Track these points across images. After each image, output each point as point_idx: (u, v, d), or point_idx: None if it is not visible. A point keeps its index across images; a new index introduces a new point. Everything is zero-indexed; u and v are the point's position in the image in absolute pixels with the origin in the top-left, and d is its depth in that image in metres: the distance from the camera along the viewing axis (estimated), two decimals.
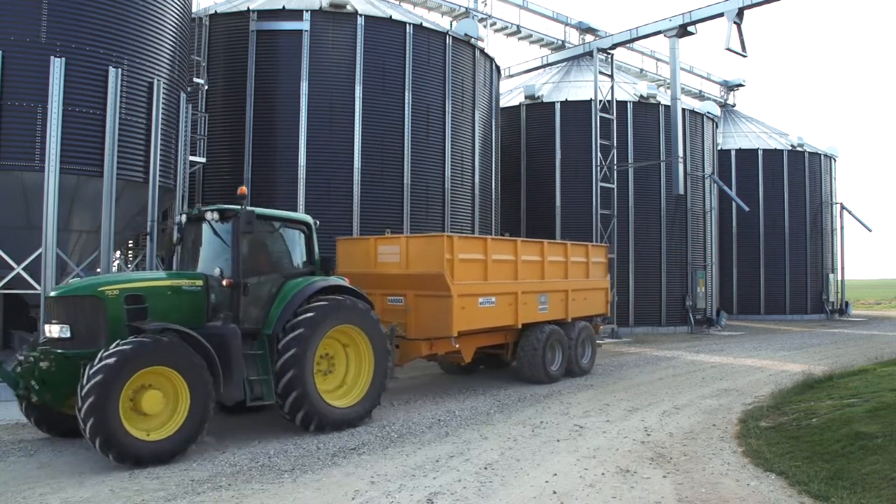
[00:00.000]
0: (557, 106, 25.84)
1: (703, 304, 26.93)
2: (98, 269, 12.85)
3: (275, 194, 16.73)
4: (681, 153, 24.65)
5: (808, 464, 7.60)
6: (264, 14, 17.52)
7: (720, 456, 8.29)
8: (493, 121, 21.72)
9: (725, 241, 32.89)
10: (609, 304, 17.09)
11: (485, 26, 25.48)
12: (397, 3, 22.37)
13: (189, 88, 15.59)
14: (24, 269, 11.87)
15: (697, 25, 23.82)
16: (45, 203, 11.73)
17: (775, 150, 34.66)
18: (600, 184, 24.08)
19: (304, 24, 17.23)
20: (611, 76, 24.94)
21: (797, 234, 34.33)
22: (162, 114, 13.62)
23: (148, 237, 13.24)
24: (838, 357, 17.85)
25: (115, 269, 13.33)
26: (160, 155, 13.56)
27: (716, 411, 11.07)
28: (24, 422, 9.23)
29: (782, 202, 34.20)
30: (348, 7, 17.63)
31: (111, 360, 7.36)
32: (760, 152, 34.34)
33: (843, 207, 37.70)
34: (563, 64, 28.93)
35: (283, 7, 17.48)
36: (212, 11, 18.06)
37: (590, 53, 26.18)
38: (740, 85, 39.62)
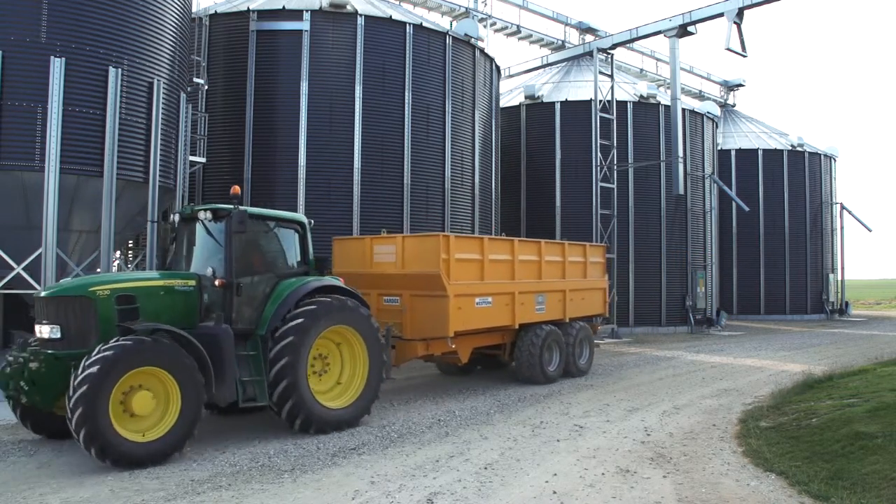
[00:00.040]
0: (557, 106, 25.84)
1: (703, 304, 26.93)
2: (98, 269, 12.85)
3: (275, 194, 16.73)
4: (681, 153, 24.65)
5: (808, 464, 7.60)
6: (264, 14, 17.52)
7: (720, 456, 8.29)
8: (493, 121, 21.72)
9: (725, 241, 32.89)
10: (607, 304, 17.05)
11: (485, 26, 25.49)
12: (397, 3, 22.37)
13: (189, 88, 15.59)
14: (24, 269, 11.87)
15: (697, 25, 23.82)
16: (45, 203, 11.73)
17: (775, 150, 34.66)
18: (600, 184, 24.08)
19: (304, 24, 17.23)
20: (611, 76, 24.95)
21: (797, 234, 34.33)
22: (162, 114, 13.62)
23: (147, 237, 13.24)
24: (838, 357, 17.85)
25: (115, 268, 13.33)
26: (160, 155, 13.56)
27: (716, 411, 11.07)
28: None
29: (782, 202, 34.21)
30: (348, 7, 17.63)
31: (101, 361, 7.31)
32: (760, 152, 34.34)
33: (843, 207, 37.71)
34: (563, 64, 28.93)
35: (283, 7, 17.48)
36: (212, 11, 18.06)
37: (590, 53, 26.18)
38: (740, 85, 39.63)
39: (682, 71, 27.34)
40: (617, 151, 24.66)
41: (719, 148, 32.75)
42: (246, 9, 17.66)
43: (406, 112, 18.00)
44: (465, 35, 19.95)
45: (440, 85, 18.84)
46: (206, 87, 16.91)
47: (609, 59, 25.41)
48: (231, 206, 8.97)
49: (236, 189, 9.20)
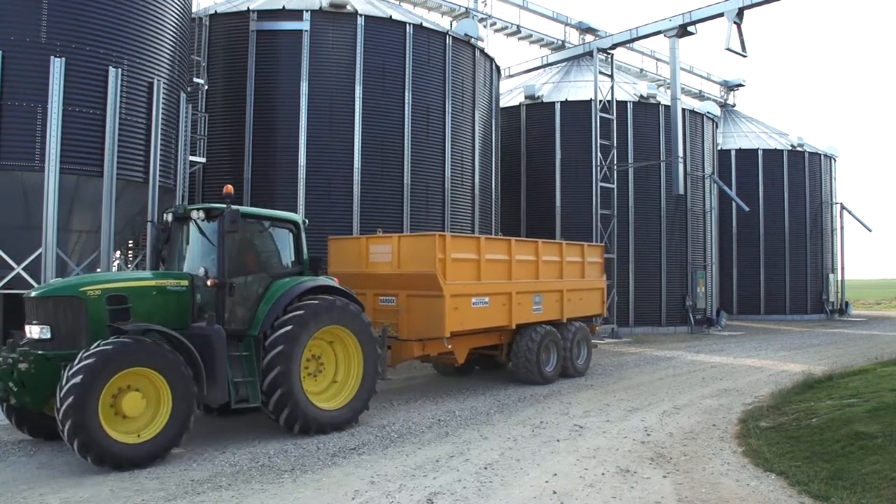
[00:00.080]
0: (557, 106, 25.84)
1: (703, 304, 26.93)
2: (98, 269, 12.85)
3: (275, 194, 16.73)
4: (681, 153, 24.64)
5: (808, 464, 7.60)
6: (264, 14, 17.52)
7: (720, 456, 8.29)
8: (493, 121, 21.72)
9: (725, 241, 32.89)
10: (605, 305, 17.00)
11: (485, 26, 25.48)
12: (397, 3, 22.37)
13: (189, 88, 15.60)
14: (24, 269, 11.87)
15: (697, 25, 23.82)
16: (45, 203, 11.73)
17: (775, 150, 34.66)
18: (600, 184, 24.08)
19: (304, 24, 17.23)
20: (611, 76, 24.95)
21: (797, 234, 34.33)
22: (162, 114, 13.62)
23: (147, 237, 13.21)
24: (838, 357, 17.85)
25: (115, 268, 13.33)
26: (160, 155, 13.56)
27: (716, 411, 11.07)
28: None
29: (782, 202, 34.20)
30: (348, 7, 17.63)
31: (90, 361, 7.24)
32: (760, 152, 34.34)
33: (843, 207, 37.71)
34: (563, 64, 28.93)
35: (283, 7, 17.48)
36: (212, 11, 18.06)
37: (590, 53, 26.18)
38: (740, 85, 39.63)
39: (682, 71, 27.34)
40: (617, 151, 24.66)
41: (719, 148, 32.75)
42: (246, 9, 17.66)
43: (406, 112, 17.99)
44: (465, 35, 19.95)
45: (440, 85, 18.84)
46: (206, 87, 16.91)
47: (609, 59, 25.41)
48: (224, 206, 8.90)
49: (229, 188, 9.14)
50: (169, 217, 9.66)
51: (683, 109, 25.86)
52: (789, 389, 11.92)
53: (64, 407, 7.09)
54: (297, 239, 10.11)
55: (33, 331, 8.03)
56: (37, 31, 11.86)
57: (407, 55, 18.08)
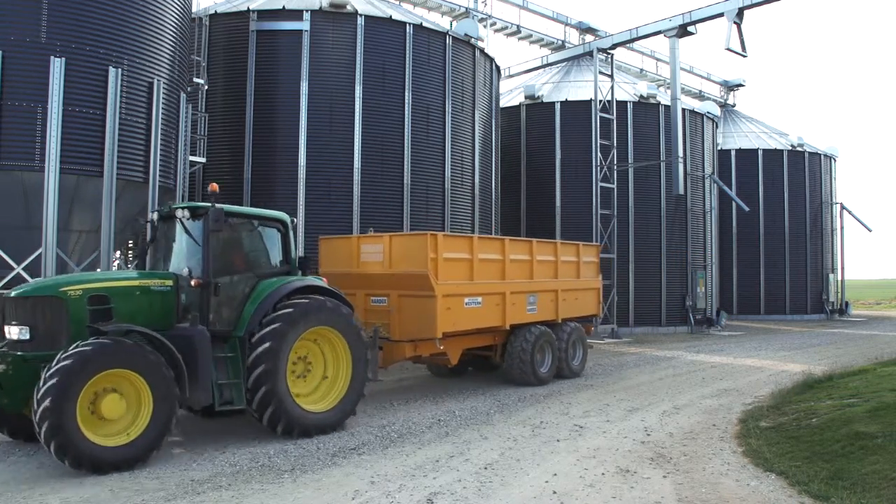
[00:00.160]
0: (557, 106, 25.84)
1: (703, 304, 26.93)
2: (98, 269, 12.86)
3: (275, 194, 16.73)
4: (681, 153, 24.65)
5: (808, 464, 7.60)
6: (264, 14, 17.52)
7: (720, 456, 8.29)
8: (493, 121, 21.73)
9: (725, 241, 32.89)
10: (601, 305, 16.89)
11: (485, 26, 25.49)
12: (397, 3, 22.37)
13: (189, 88, 15.61)
14: (24, 269, 11.87)
15: (697, 25, 23.82)
16: (45, 203, 11.74)
17: (775, 150, 34.67)
18: (600, 184, 24.08)
19: (304, 24, 17.23)
20: (611, 76, 24.95)
21: (797, 234, 34.34)
22: (162, 114, 13.63)
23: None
24: (838, 357, 17.85)
25: (114, 268, 13.33)
26: (160, 155, 13.57)
27: (716, 411, 11.07)
28: None
29: (782, 202, 34.21)
30: (348, 7, 17.64)
31: (68, 363, 7.09)
32: (760, 152, 34.35)
33: (843, 207, 37.72)
34: (563, 64, 28.93)
35: (283, 7, 17.49)
36: (212, 11, 18.07)
37: (590, 53, 26.18)
38: (740, 85, 39.64)
39: (682, 71, 27.34)
40: (617, 151, 24.67)
41: (719, 148, 32.76)
42: (246, 9, 17.67)
43: (406, 112, 18.00)
44: (465, 35, 19.95)
45: (440, 85, 18.85)
46: (206, 87, 16.92)
47: (609, 59, 25.41)
48: (208, 204, 8.76)
49: (214, 186, 9.01)
50: (155, 216, 9.51)
51: (683, 109, 25.87)
52: (789, 389, 11.92)
53: (41, 409, 6.95)
54: (284, 238, 9.88)
55: (12, 331, 7.81)
56: (37, 31, 11.87)
57: (407, 55, 18.09)
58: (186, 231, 9.02)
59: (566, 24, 29.34)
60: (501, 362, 13.70)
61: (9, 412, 8.00)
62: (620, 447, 8.70)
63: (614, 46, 25.68)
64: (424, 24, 19.05)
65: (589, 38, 28.88)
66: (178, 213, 9.07)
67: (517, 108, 26.66)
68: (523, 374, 13.27)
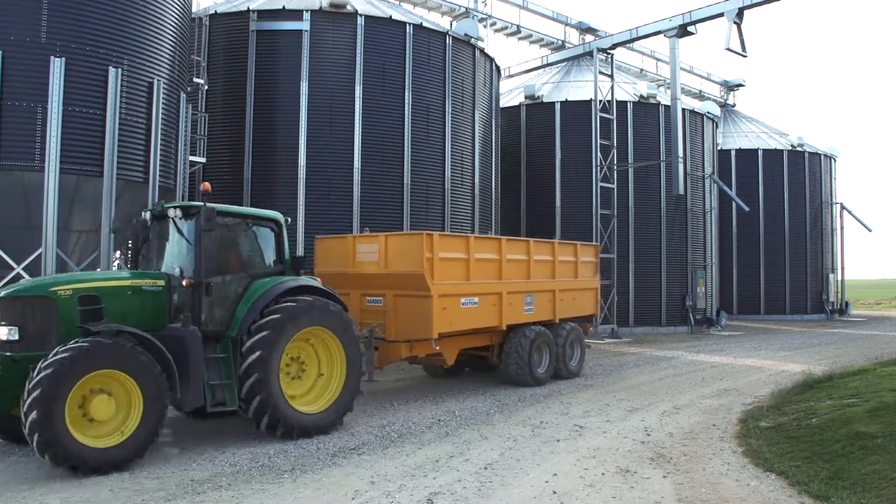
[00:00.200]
0: (557, 106, 25.84)
1: (703, 304, 26.94)
2: (98, 269, 12.86)
3: (275, 194, 16.73)
4: (681, 153, 24.65)
5: (808, 464, 7.60)
6: (264, 14, 17.52)
7: (720, 456, 8.29)
8: (493, 121, 21.73)
9: (725, 241, 32.90)
10: (599, 305, 16.84)
11: (485, 26, 25.49)
12: (397, 3, 22.37)
13: (189, 88, 15.61)
14: (24, 269, 11.87)
15: (697, 25, 23.82)
16: (45, 203, 11.74)
17: (775, 150, 34.67)
18: (600, 184, 24.08)
19: (304, 24, 17.24)
20: (611, 76, 24.95)
21: (797, 234, 34.34)
22: (162, 114, 13.63)
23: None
24: (838, 357, 17.85)
25: (114, 268, 13.33)
26: (160, 155, 13.57)
27: (716, 411, 11.07)
28: None
29: (782, 202, 34.21)
30: (348, 7, 17.64)
31: (57, 363, 7.03)
32: (760, 152, 34.35)
33: (843, 207, 37.73)
34: (563, 64, 28.93)
35: (283, 7, 17.49)
36: (212, 11, 18.07)
37: (590, 53, 26.18)
38: (740, 85, 39.64)
39: (682, 71, 27.34)
40: (617, 151, 24.66)
41: (719, 148, 32.76)
42: (246, 9, 17.67)
43: (406, 112, 18.00)
44: (465, 35, 19.95)
45: (440, 85, 18.85)
46: (206, 87, 16.93)
47: (609, 59, 25.41)
48: (201, 204, 8.69)
49: (206, 186, 8.95)
50: (147, 215, 9.39)
51: (683, 109, 25.87)
52: (789, 389, 11.92)
53: (28, 410, 6.90)
54: (278, 238, 9.79)
55: (1, 332, 7.74)
56: (37, 31, 11.87)
57: (407, 55, 18.09)
58: (179, 230, 8.95)
59: (566, 24, 29.35)
60: (499, 363, 13.62)
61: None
62: (620, 447, 8.70)
63: (614, 46, 25.68)
64: (424, 24, 19.05)
65: (589, 38, 28.88)
66: (171, 212, 8.97)
67: (517, 108, 26.66)
68: (520, 374, 13.21)
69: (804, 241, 34.44)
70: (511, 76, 30.55)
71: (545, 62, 29.43)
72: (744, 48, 22.46)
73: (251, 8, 17.65)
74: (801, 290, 34.35)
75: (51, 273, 11.67)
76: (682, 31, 23.82)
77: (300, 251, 15.76)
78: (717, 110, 31.13)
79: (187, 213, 8.89)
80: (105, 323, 7.85)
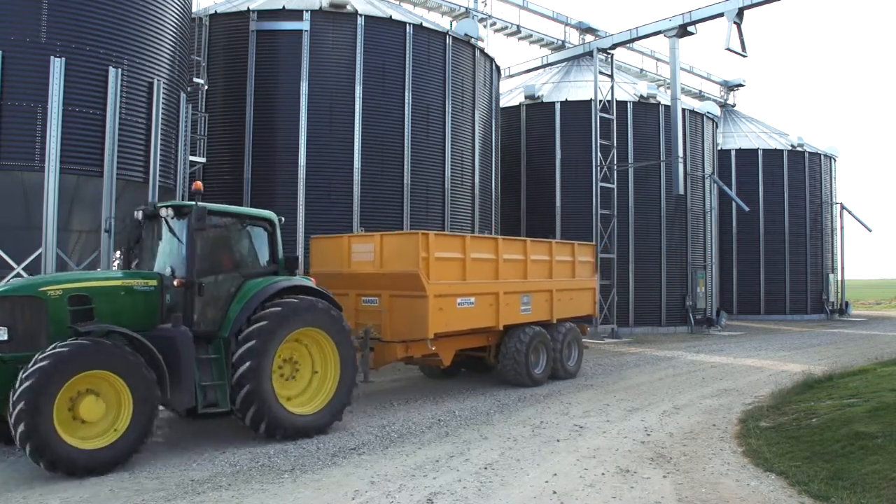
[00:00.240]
0: (557, 106, 25.84)
1: (703, 304, 26.93)
2: (98, 269, 12.85)
3: (275, 194, 16.74)
4: (681, 153, 24.65)
5: (808, 464, 7.60)
6: (264, 14, 17.53)
7: (720, 456, 8.29)
8: (493, 121, 21.73)
9: (725, 241, 32.89)
10: (597, 305, 16.79)
11: (485, 26, 25.49)
12: (397, 3, 22.38)
13: (189, 88, 15.61)
14: (24, 269, 11.87)
15: (697, 25, 23.82)
16: (45, 203, 11.73)
17: (775, 150, 34.67)
18: (600, 184, 24.08)
19: (304, 24, 17.24)
20: (611, 76, 24.95)
21: (797, 234, 34.34)
22: (162, 114, 13.63)
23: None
24: (838, 357, 17.85)
25: (114, 268, 13.33)
26: (160, 155, 13.57)
27: (716, 411, 11.07)
28: None
29: (782, 202, 34.21)
30: (348, 7, 17.64)
31: (45, 364, 6.98)
32: (760, 152, 34.35)
33: (843, 207, 37.72)
34: (563, 64, 28.94)
35: (283, 7, 17.49)
36: (212, 11, 18.08)
37: (590, 53, 26.18)
38: (740, 85, 39.63)
39: (682, 71, 27.34)
40: (617, 151, 24.66)
41: (719, 148, 32.76)
42: (246, 9, 17.67)
43: (406, 112, 18.00)
44: (465, 35, 19.95)
45: (440, 85, 18.85)
46: (206, 87, 16.92)
47: (609, 59, 25.41)
48: (192, 203, 8.64)
49: (198, 185, 8.93)
50: (139, 215, 9.33)
51: (683, 109, 25.87)
52: (789, 389, 11.92)
53: (16, 411, 6.85)
54: (272, 237, 9.69)
55: None
56: (37, 31, 11.86)
57: (407, 55, 18.09)
58: (171, 230, 8.89)
59: (566, 24, 29.35)
60: (495, 363, 13.54)
61: None
62: (620, 447, 8.71)
63: (614, 46, 25.68)
64: (424, 24, 19.05)
65: (589, 38, 28.88)
66: (163, 211, 8.88)
67: (517, 108, 26.66)
68: (517, 375, 13.15)
69: (804, 241, 34.44)
70: (511, 76, 30.55)
71: (545, 62, 29.43)
72: (744, 48, 22.46)
73: (251, 8, 17.65)
74: (801, 290, 34.35)
75: (51, 273, 11.66)
76: (682, 31, 23.82)
77: (300, 251, 15.76)
78: (717, 110, 31.13)
79: (179, 212, 8.82)
80: (95, 323, 7.80)
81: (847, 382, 11.78)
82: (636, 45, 30.17)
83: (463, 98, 19.61)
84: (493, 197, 21.46)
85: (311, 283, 9.75)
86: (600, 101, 24.34)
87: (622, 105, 25.54)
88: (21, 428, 6.86)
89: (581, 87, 26.63)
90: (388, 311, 11.63)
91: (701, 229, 27.28)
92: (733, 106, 39.36)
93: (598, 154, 24.14)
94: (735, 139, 35.45)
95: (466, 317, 12.25)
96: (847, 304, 38.16)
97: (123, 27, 12.84)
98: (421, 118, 18.30)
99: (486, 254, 12.89)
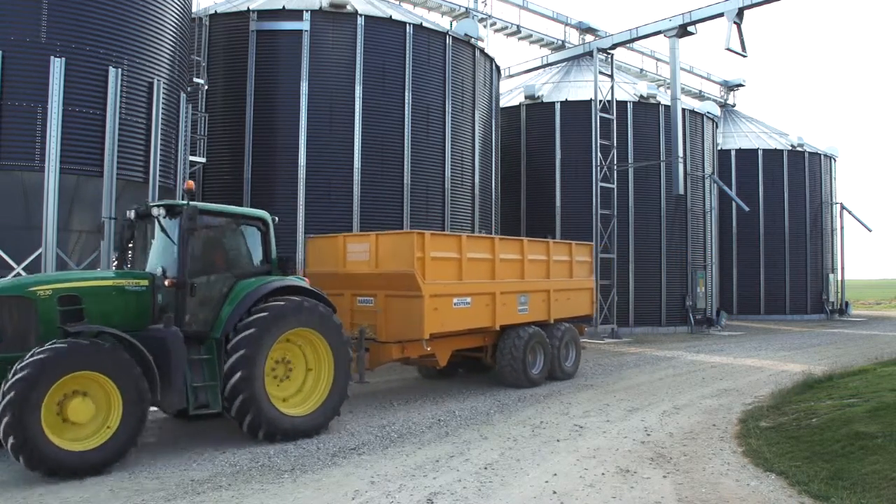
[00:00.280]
0: (557, 106, 25.84)
1: (703, 304, 26.93)
2: (98, 269, 12.85)
3: (275, 194, 16.74)
4: (681, 153, 24.65)
5: (808, 464, 7.60)
6: (264, 14, 17.52)
7: (720, 456, 8.29)
8: (493, 121, 21.73)
9: (725, 241, 32.90)
10: (595, 305, 16.72)
11: (485, 26, 25.49)
12: (397, 3, 22.37)
13: (189, 88, 15.60)
14: (24, 269, 11.87)
15: (697, 25, 23.82)
16: (45, 203, 11.73)
17: (775, 150, 34.67)
18: (600, 184, 24.08)
19: (304, 24, 17.24)
20: (611, 76, 24.94)
21: (797, 234, 34.33)
22: (162, 114, 13.63)
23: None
24: (838, 357, 17.85)
25: (114, 268, 13.33)
26: (160, 155, 13.57)
27: (716, 411, 11.07)
28: None
29: (782, 202, 34.21)
30: (348, 7, 17.64)
31: (31, 366, 6.92)
32: (760, 152, 34.35)
33: (843, 207, 37.72)
34: (563, 64, 28.93)
35: (283, 7, 17.49)
36: (212, 11, 18.08)
37: (590, 53, 26.18)
38: (740, 85, 39.63)
39: (682, 71, 27.34)
40: (617, 151, 24.66)
41: (719, 148, 32.76)
42: (246, 9, 17.67)
43: (406, 112, 17.99)
44: (465, 35, 19.95)
45: (440, 85, 18.85)
46: (206, 87, 16.92)
47: (609, 59, 25.41)
48: (184, 202, 8.61)
49: (190, 184, 8.90)
50: (132, 214, 9.27)
51: (683, 109, 25.87)
52: (789, 389, 11.92)
53: (3, 412, 6.80)
54: (265, 237, 9.62)
55: None
56: (37, 31, 11.86)
57: (407, 55, 18.09)
58: (163, 230, 8.84)
59: (566, 24, 29.35)
60: (493, 364, 13.47)
61: None
62: (620, 447, 8.71)
63: (614, 46, 25.68)
64: (424, 24, 19.05)
65: (589, 38, 28.88)
66: (155, 211, 8.80)
67: (517, 108, 26.66)
68: (514, 375, 13.09)
69: (804, 241, 34.43)
70: (511, 76, 30.55)
71: (545, 62, 29.43)
72: (744, 48, 22.46)
73: (251, 8, 17.65)
74: (801, 290, 34.35)
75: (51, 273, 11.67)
76: (682, 31, 23.82)
77: (300, 251, 15.76)
78: (717, 110, 31.13)
79: (171, 211, 8.77)
80: (85, 323, 7.74)
81: (847, 382, 11.78)
82: (636, 45, 30.17)
83: (463, 98, 19.61)
84: (493, 197, 21.46)
85: (304, 283, 9.67)
86: (600, 101, 24.34)
87: (622, 105, 25.54)
88: (8, 430, 6.79)
89: (581, 87, 26.63)
90: (384, 311, 11.56)
91: (701, 229, 27.28)
92: (733, 106, 39.36)
93: (598, 154, 24.13)
94: (735, 139, 35.45)
95: (463, 317, 12.18)
96: (847, 304, 38.16)
97: (123, 27, 12.84)
98: (421, 118, 18.30)
99: (482, 253, 12.81)
